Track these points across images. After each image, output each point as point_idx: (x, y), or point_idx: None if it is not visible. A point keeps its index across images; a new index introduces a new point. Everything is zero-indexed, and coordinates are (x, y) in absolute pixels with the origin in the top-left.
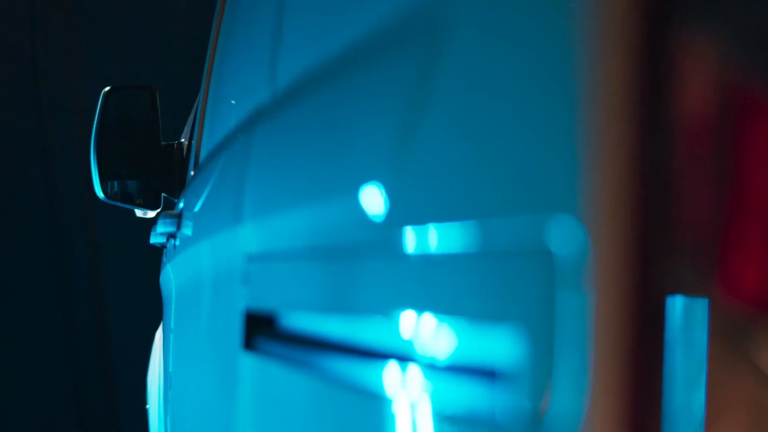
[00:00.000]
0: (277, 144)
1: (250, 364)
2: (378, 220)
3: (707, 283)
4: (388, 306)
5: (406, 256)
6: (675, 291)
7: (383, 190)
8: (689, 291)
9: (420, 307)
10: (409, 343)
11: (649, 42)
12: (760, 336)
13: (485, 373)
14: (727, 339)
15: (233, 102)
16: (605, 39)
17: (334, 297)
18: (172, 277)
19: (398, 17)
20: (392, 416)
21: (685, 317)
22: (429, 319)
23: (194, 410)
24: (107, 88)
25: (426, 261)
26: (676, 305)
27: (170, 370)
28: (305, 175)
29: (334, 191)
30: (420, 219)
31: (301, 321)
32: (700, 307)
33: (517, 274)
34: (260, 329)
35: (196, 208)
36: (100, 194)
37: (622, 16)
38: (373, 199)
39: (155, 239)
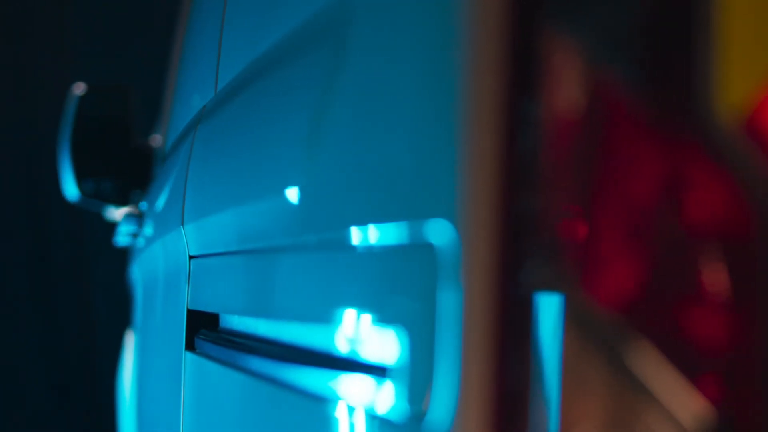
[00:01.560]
0: (211, 144)
1: (191, 364)
2: (289, 221)
3: (573, 282)
4: (298, 303)
5: (311, 256)
6: (541, 289)
7: (295, 192)
8: (555, 289)
9: (325, 303)
10: (317, 339)
11: (517, 45)
12: (618, 334)
13: (378, 370)
14: (586, 336)
15: (185, 102)
16: (475, 42)
17: (256, 297)
18: (136, 277)
19: (309, 21)
20: (303, 412)
21: (549, 314)
22: (332, 314)
23: (149, 410)
24: (81, 88)
25: (329, 259)
26: (542, 303)
27: (134, 369)
28: (234, 176)
29: (256, 193)
30: (322, 220)
31: (232, 320)
32: (563, 303)
33: (395, 273)
34: (200, 329)
35: (153, 208)
36: (72, 194)
37: (491, 18)
38: (285, 201)
39: (119, 239)
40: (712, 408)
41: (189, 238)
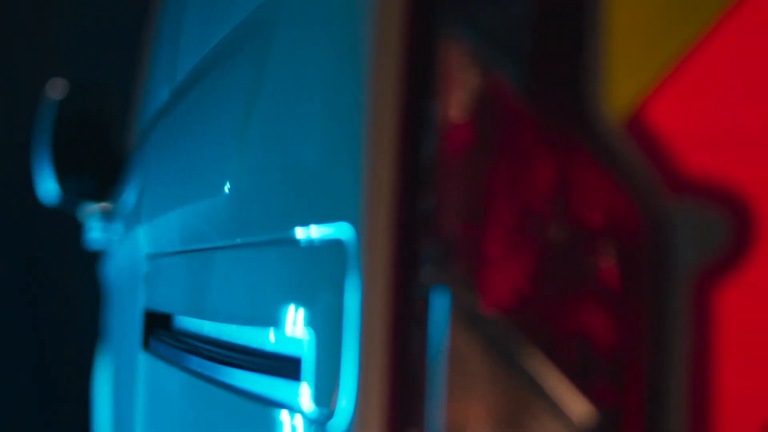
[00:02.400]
0: (162, 144)
1: (146, 364)
2: (220, 222)
3: (465, 281)
4: (228, 303)
5: (238, 256)
6: (435, 288)
7: (225, 194)
8: (448, 287)
9: (248, 303)
10: (243, 339)
11: (414, 53)
12: (507, 332)
13: (294, 368)
14: (475, 333)
15: (149, 99)
16: (375, 54)
17: (195, 297)
18: (104, 275)
19: (239, 26)
20: (232, 411)
21: (442, 312)
22: (254, 314)
23: (112, 410)
24: (59, 86)
25: (251, 259)
26: (435, 301)
27: (101, 370)
28: (178, 176)
29: (195, 193)
30: (246, 221)
31: (181, 320)
32: (454, 302)
33: (306, 274)
34: (155, 329)
35: (117, 206)
36: (50, 195)
37: (390, 27)
38: (218, 202)
39: (90, 237)
40: (598, 405)
41: (146, 236)
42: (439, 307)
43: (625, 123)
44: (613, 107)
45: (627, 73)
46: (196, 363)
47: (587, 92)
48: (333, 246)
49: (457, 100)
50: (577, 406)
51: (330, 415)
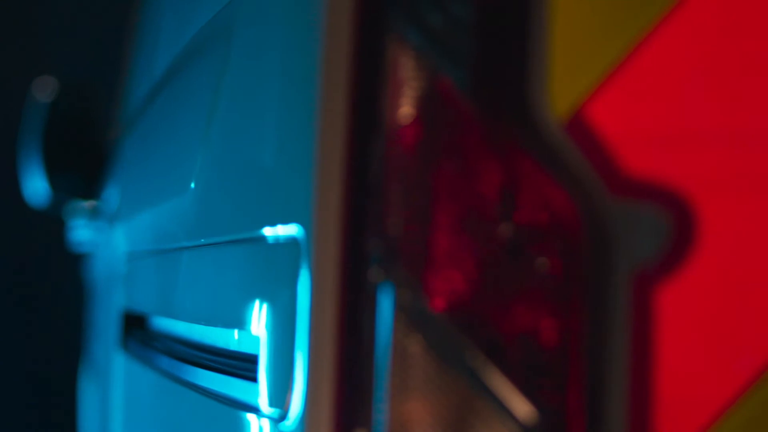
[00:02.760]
0: (135, 144)
1: (121, 363)
2: (184, 222)
3: (410, 280)
4: (191, 303)
5: (200, 256)
6: (381, 287)
7: (189, 194)
8: (393, 287)
9: (208, 303)
10: (205, 338)
11: (363, 52)
12: (450, 331)
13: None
14: (419, 332)
15: (127, 99)
16: (324, 49)
17: (162, 296)
18: (90, 275)
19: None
20: (194, 410)
21: (386, 312)
22: (215, 313)
23: (97, 410)
24: (46, 86)
25: (210, 260)
26: (382, 301)
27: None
28: (148, 176)
29: (163, 193)
30: (208, 222)
31: (154, 319)
32: (399, 301)
33: (255, 273)
34: (131, 329)
35: (102, 205)
36: (39, 196)
37: (340, 24)
38: (183, 202)
39: (75, 237)
40: (540, 405)
41: (124, 235)
42: (385, 307)
43: (566, 124)
44: (555, 109)
45: (569, 75)
46: (166, 363)
47: (530, 94)
48: (285, 246)
49: (403, 101)
50: (520, 405)
51: (283, 416)
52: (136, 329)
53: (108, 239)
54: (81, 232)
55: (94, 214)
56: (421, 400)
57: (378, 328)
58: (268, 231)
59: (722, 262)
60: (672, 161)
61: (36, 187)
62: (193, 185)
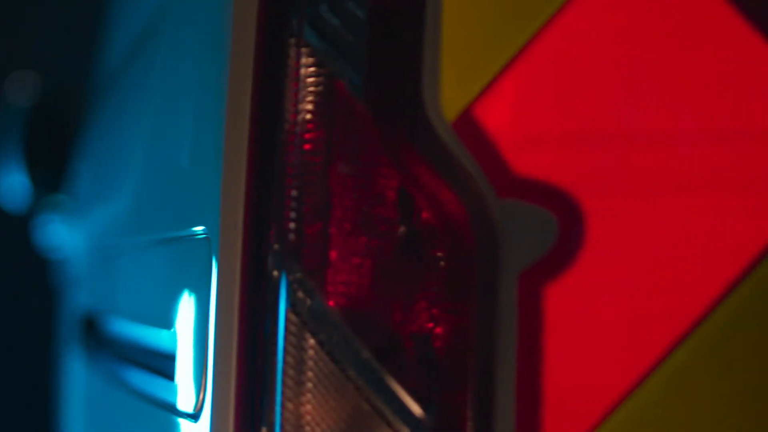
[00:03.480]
0: (93, 141)
1: (77, 364)
2: (119, 221)
3: (307, 282)
4: (124, 302)
5: (131, 255)
6: (281, 287)
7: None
8: (291, 288)
9: (136, 302)
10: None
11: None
12: (344, 330)
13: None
14: (311, 330)
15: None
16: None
17: (105, 295)
18: (59, 273)
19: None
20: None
21: (284, 312)
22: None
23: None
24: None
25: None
26: (280, 301)
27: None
28: (99, 173)
29: (109, 192)
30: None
31: (102, 318)
32: (292, 301)
33: (169, 273)
34: (86, 328)
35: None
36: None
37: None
38: (121, 201)
39: (43, 235)
40: (431, 403)
41: (83, 232)
42: (283, 306)
43: (457, 127)
44: (447, 111)
45: (459, 78)
46: (108, 363)
47: (423, 97)
48: (198, 246)
49: (301, 104)
50: (412, 404)
51: (196, 415)
52: (90, 328)
53: (72, 236)
54: (52, 228)
55: (64, 210)
56: (317, 398)
57: (277, 327)
58: (184, 231)
59: (608, 261)
60: (558, 162)
61: (14, 185)
62: (122, 187)
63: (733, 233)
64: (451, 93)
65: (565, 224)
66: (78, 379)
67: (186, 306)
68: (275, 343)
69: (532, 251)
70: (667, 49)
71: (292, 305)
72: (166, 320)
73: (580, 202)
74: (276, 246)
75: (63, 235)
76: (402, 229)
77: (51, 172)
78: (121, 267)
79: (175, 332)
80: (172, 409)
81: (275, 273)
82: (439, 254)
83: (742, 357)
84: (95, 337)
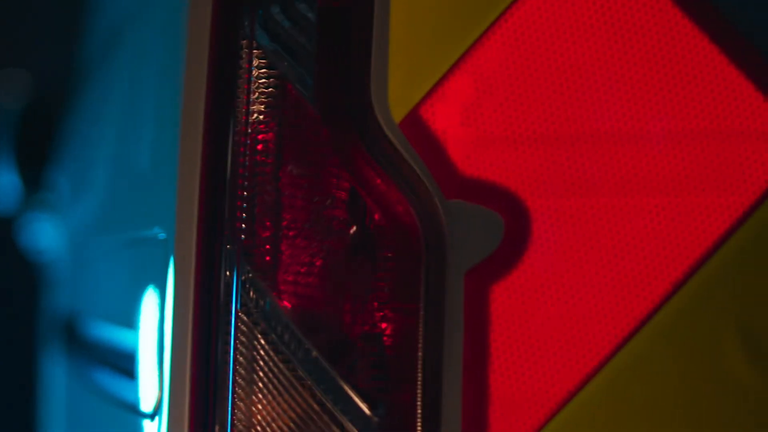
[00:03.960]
0: (70, 140)
1: (52, 364)
2: (87, 222)
3: (256, 282)
4: (92, 303)
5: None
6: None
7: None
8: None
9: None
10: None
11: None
12: (294, 332)
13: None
14: (259, 330)
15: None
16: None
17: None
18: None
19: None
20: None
21: (234, 312)
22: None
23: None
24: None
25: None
26: (231, 301)
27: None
28: (71, 175)
29: (81, 188)
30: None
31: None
32: (241, 301)
33: (131, 273)
34: (60, 328)
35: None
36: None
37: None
38: (88, 203)
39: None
40: (379, 402)
41: (64, 232)
42: (234, 307)
43: (404, 127)
44: (394, 111)
45: (407, 81)
46: (84, 364)
47: (371, 99)
48: (157, 247)
49: (253, 106)
50: (361, 403)
51: (154, 413)
52: (63, 328)
53: (54, 236)
54: (36, 228)
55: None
56: (267, 398)
57: (229, 327)
58: (147, 232)
59: (554, 261)
60: (505, 163)
61: (4, 185)
62: (97, 186)
63: (677, 233)
64: (399, 94)
65: (512, 224)
66: (58, 381)
67: (147, 306)
68: (227, 343)
69: (479, 251)
70: (613, 50)
71: (243, 305)
72: (131, 321)
73: (526, 202)
74: (228, 246)
75: (47, 235)
76: (352, 229)
77: (37, 172)
78: (94, 268)
79: (137, 333)
80: (134, 410)
81: (227, 273)
82: (388, 254)
83: (686, 357)
84: (73, 339)
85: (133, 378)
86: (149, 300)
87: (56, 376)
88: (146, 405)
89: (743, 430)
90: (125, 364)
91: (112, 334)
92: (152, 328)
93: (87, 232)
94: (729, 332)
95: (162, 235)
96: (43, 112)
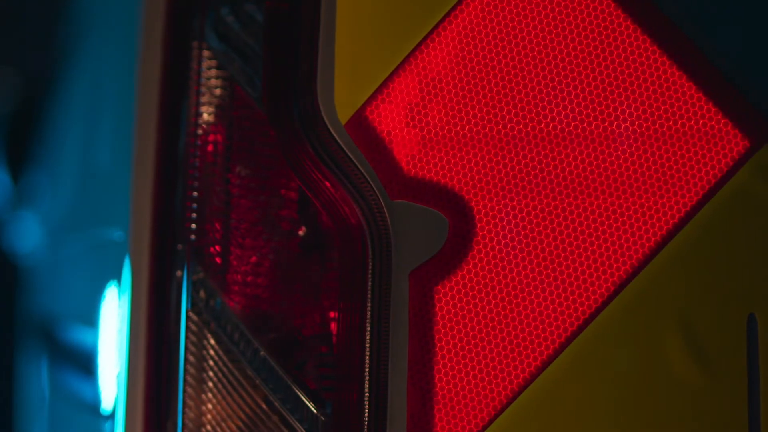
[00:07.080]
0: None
1: (25, 366)
2: (52, 222)
3: (206, 282)
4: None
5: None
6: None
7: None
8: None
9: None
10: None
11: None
12: (243, 331)
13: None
14: (211, 330)
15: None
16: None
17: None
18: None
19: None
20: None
21: (185, 311)
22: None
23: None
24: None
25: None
26: (182, 301)
27: None
28: (42, 174)
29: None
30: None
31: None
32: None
33: (90, 273)
34: (34, 330)
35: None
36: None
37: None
38: (54, 202)
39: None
40: (326, 403)
41: (42, 232)
42: (185, 306)
43: (349, 128)
44: (340, 112)
45: (352, 80)
46: (58, 368)
47: (317, 98)
48: (116, 248)
49: (202, 108)
50: (309, 403)
51: (113, 413)
52: (37, 330)
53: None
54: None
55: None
56: (217, 397)
57: (179, 327)
58: (108, 233)
59: (498, 261)
60: (450, 164)
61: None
62: (66, 186)
63: (620, 233)
64: (344, 95)
65: (456, 225)
66: (35, 384)
67: (108, 307)
68: (178, 342)
69: (424, 251)
70: (555, 51)
71: (193, 305)
72: (94, 321)
73: (471, 203)
74: (179, 246)
75: (26, 236)
76: (299, 229)
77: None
78: (67, 269)
79: (97, 334)
80: (95, 410)
81: (178, 273)
82: (334, 255)
83: (629, 355)
84: (41, 340)
85: (94, 378)
86: (110, 300)
87: (24, 376)
88: (106, 405)
89: (683, 426)
90: (88, 365)
91: (77, 335)
92: (112, 329)
93: (55, 233)
94: (671, 330)
95: (120, 236)
96: (11, 114)
